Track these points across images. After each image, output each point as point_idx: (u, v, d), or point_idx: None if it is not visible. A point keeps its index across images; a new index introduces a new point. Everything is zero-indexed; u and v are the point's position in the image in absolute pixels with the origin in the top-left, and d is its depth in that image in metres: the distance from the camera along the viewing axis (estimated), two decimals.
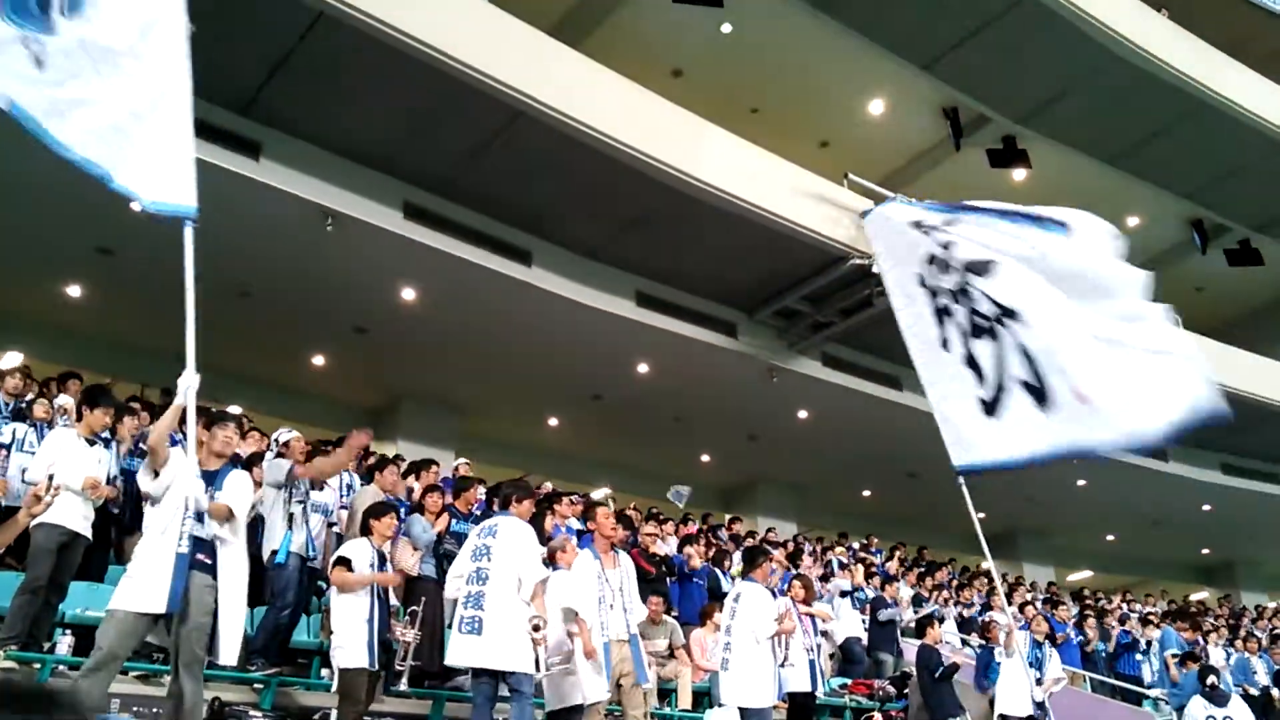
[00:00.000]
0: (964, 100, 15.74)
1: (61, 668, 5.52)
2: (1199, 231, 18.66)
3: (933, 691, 8.69)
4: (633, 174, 11.19)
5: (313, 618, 7.65)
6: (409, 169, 11.06)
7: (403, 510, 8.68)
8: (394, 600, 6.74)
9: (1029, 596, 15.43)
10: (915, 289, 5.91)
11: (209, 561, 4.67)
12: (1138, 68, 14.98)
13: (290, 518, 6.97)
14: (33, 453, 6.70)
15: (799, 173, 12.72)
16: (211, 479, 4.85)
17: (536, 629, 5.42)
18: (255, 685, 6.51)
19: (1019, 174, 17.04)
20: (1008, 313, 5.46)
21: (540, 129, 10.48)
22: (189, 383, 4.35)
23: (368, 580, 5.87)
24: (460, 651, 5.48)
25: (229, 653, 4.64)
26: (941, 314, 5.83)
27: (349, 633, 5.76)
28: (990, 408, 5.58)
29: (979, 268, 5.64)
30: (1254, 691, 11.61)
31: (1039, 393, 5.27)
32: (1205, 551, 23.54)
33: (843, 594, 11.51)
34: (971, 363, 5.69)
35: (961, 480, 5.71)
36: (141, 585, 4.46)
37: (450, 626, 7.95)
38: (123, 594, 4.49)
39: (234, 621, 4.67)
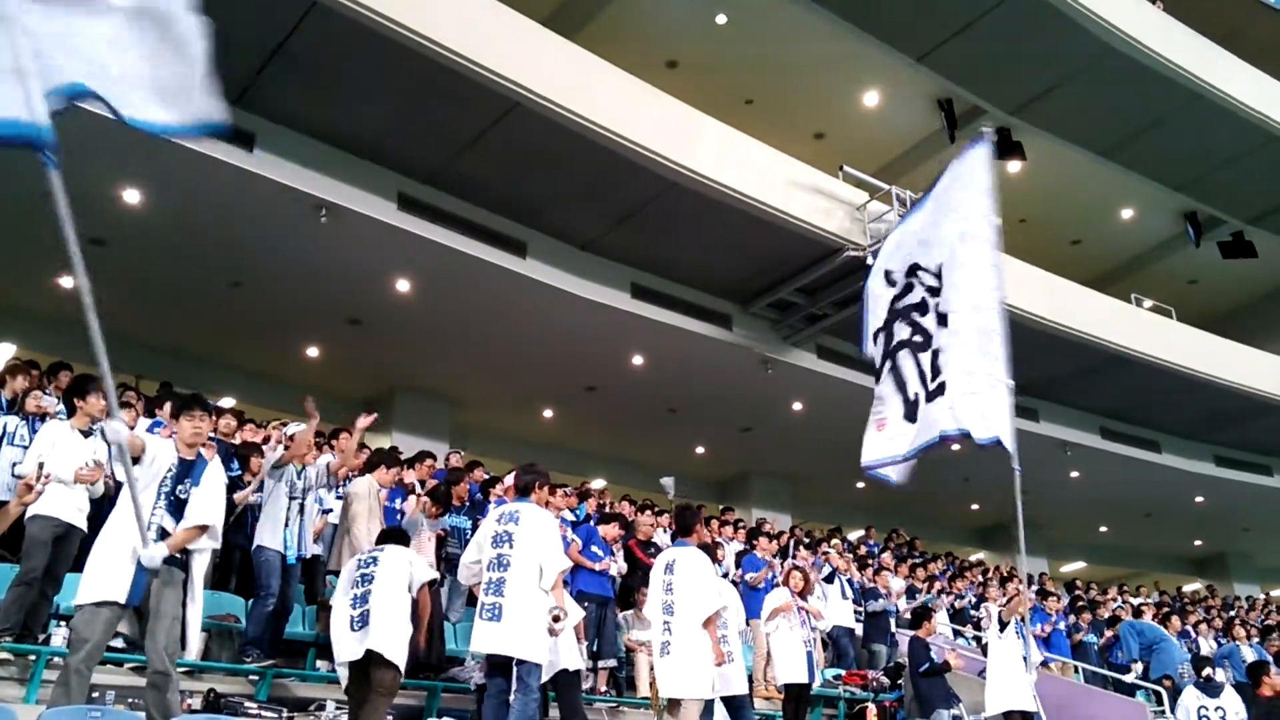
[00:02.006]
0: (958, 92, 15.73)
1: (56, 659, 5.52)
2: (1193, 224, 18.69)
3: (923, 684, 8.71)
4: (628, 166, 11.17)
5: (309, 610, 7.65)
6: (403, 160, 11.03)
7: (398, 500, 8.71)
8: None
9: (1021, 587, 15.44)
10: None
11: (180, 555, 4.63)
12: (1132, 60, 15.00)
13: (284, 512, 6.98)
14: (24, 446, 6.66)
15: (794, 164, 12.72)
16: (188, 470, 4.75)
17: (556, 619, 5.43)
18: (251, 677, 6.52)
19: (1013, 166, 17.06)
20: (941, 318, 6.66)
21: (535, 120, 10.45)
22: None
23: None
24: (481, 639, 5.45)
25: (193, 647, 4.63)
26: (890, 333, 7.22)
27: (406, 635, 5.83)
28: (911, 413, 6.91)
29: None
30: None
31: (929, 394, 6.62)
32: (1197, 543, 23.63)
33: (826, 579, 11.50)
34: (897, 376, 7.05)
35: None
36: (105, 575, 4.42)
37: (448, 619, 8.01)
38: (89, 585, 4.43)
39: (197, 616, 4.67)
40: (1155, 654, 12.35)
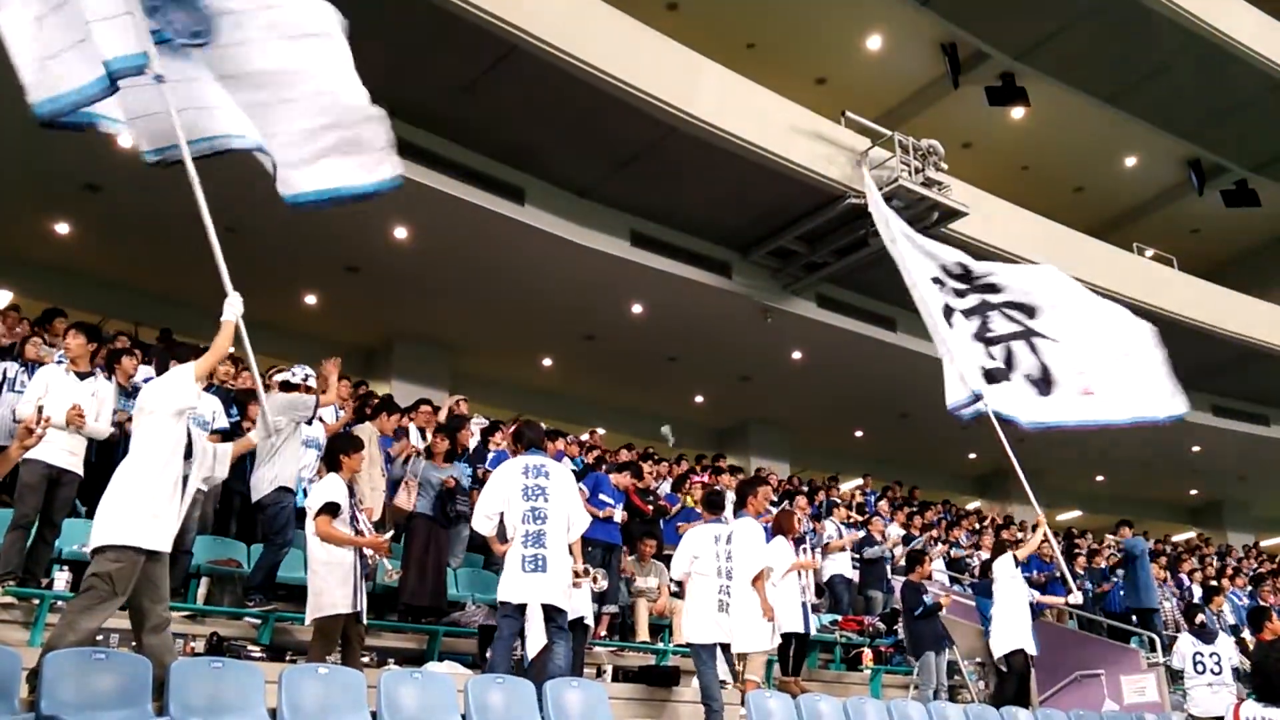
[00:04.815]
0: (962, 36, 15.52)
1: (60, 603, 5.55)
2: (1196, 172, 18.56)
3: (916, 626, 8.80)
4: (627, 110, 11.04)
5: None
6: (399, 104, 10.78)
7: (390, 447, 8.69)
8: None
9: (1019, 535, 15.58)
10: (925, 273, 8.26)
11: None
12: (1137, 3, 14.75)
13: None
14: (24, 393, 6.66)
15: (795, 110, 12.57)
16: None
17: (595, 580, 5.73)
18: (253, 621, 6.56)
19: (1017, 112, 16.89)
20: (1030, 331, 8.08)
21: (533, 63, 10.30)
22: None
23: (352, 542, 5.72)
24: (524, 589, 5.53)
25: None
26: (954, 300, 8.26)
27: (333, 578, 5.64)
28: (991, 377, 7.99)
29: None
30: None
31: (1042, 384, 7.96)
32: (1194, 492, 23.78)
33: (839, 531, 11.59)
34: (983, 340, 8.13)
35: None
36: (156, 519, 4.40)
37: (448, 564, 8.04)
38: (134, 529, 4.35)
39: None
40: (1136, 570, 12.60)
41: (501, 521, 5.75)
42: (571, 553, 5.87)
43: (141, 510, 4.39)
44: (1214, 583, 14.53)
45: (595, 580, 6.24)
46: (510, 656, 5.61)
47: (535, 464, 5.84)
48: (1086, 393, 7.97)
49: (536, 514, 5.65)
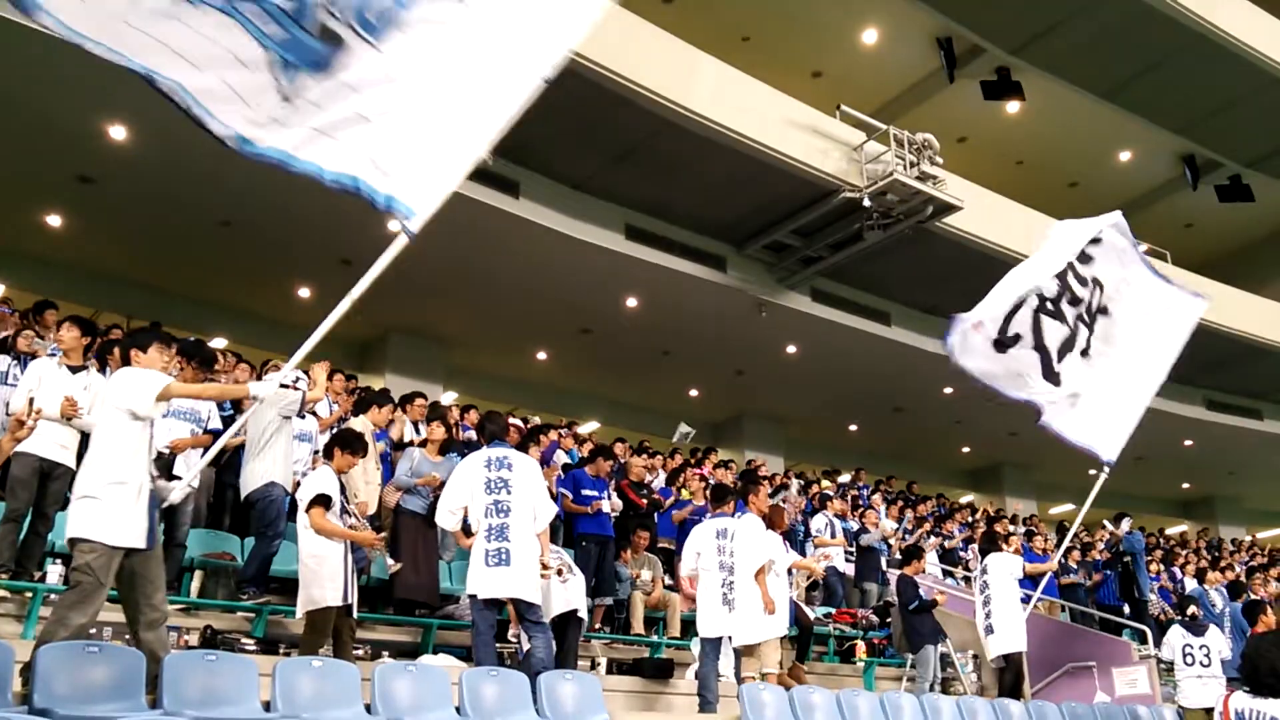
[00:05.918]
0: (958, 30, 15.52)
1: (53, 596, 5.54)
2: (1190, 167, 18.59)
3: (910, 621, 8.84)
4: (622, 104, 11.01)
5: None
6: None
7: (383, 443, 8.67)
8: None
9: (1011, 529, 15.62)
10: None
11: None
12: None
13: None
14: (16, 386, 6.64)
15: (791, 104, 12.57)
16: None
17: (560, 573, 5.65)
18: (246, 615, 6.55)
19: (1012, 107, 16.89)
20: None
21: None
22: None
23: (346, 536, 5.68)
24: (489, 583, 5.53)
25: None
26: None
27: (323, 571, 5.60)
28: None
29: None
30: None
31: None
32: (1186, 486, 23.85)
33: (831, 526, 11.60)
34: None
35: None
36: (125, 519, 4.35)
37: (441, 558, 8.04)
38: (108, 527, 4.30)
39: None
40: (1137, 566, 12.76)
41: (467, 515, 5.76)
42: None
43: (105, 508, 4.33)
44: (1242, 579, 14.52)
45: (561, 573, 6.19)
46: (491, 650, 5.62)
47: (498, 456, 5.82)
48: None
49: (499, 507, 5.63)
